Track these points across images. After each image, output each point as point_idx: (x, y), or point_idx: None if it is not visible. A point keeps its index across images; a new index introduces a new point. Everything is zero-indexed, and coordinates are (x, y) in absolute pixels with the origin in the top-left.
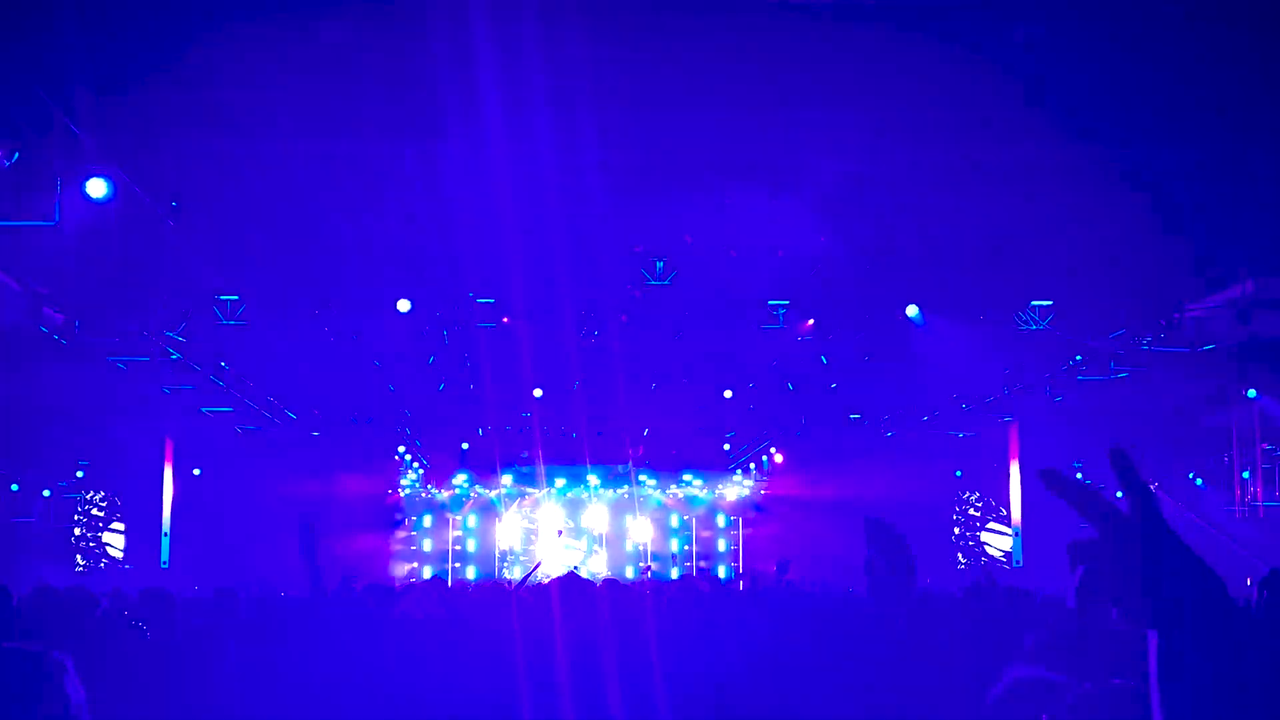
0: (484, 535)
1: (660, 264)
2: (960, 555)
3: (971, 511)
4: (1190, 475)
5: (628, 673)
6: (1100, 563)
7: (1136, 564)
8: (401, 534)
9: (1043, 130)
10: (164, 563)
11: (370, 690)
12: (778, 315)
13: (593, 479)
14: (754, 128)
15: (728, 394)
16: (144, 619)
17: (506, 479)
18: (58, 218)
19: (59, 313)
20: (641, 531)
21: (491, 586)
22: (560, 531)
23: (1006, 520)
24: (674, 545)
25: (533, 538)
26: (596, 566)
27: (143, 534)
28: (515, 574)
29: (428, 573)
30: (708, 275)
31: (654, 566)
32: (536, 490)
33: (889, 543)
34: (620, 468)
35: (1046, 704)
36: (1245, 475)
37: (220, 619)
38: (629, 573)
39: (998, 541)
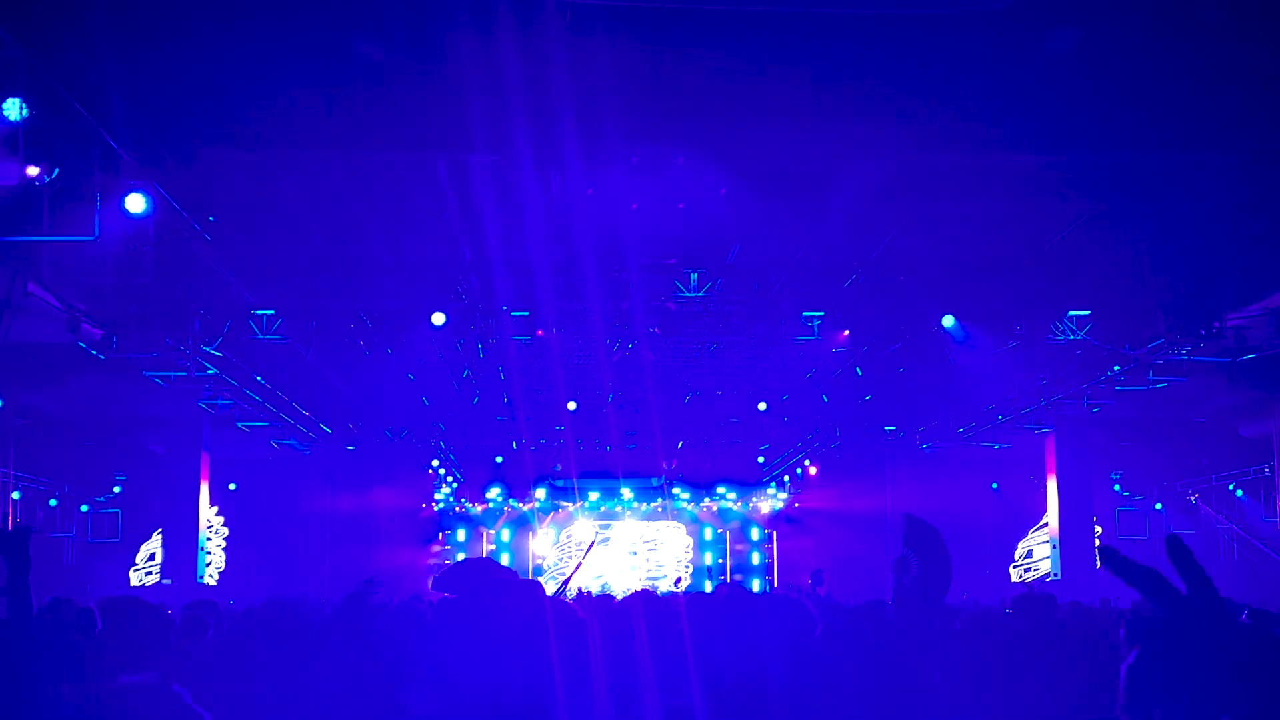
0: (518, 549)
1: (694, 275)
2: (1012, 570)
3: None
4: (1230, 486)
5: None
6: (1159, 643)
7: (1199, 649)
8: (436, 548)
9: (1080, 137)
10: (199, 577)
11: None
12: (812, 327)
13: (626, 492)
14: (786, 137)
15: (762, 406)
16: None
17: (540, 492)
18: (97, 233)
19: (97, 328)
20: (675, 544)
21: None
22: (591, 545)
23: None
24: (708, 558)
25: (568, 552)
26: (630, 580)
27: (180, 548)
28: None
29: None
30: (741, 287)
31: (686, 580)
32: (570, 504)
33: (927, 544)
34: (654, 480)
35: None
36: None
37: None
38: (664, 585)
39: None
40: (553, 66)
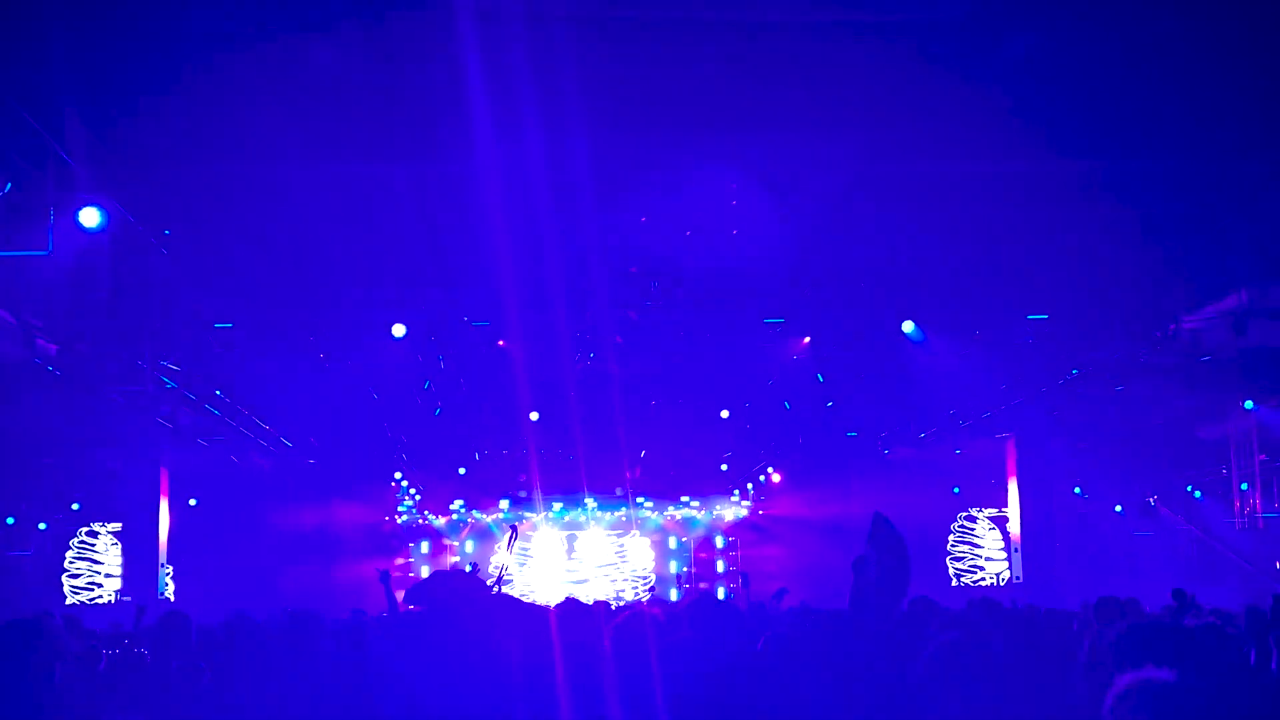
0: (482, 561)
1: (655, 284)
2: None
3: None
4: (1189, 488)
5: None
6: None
7: None
8: (400, 560)
9: (1035, 144)
10: (160, 593)
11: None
12: (773, 334)
13: (590, 502)
14: (746, 145)
15: (724, 414)
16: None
17: (503, 504)
18: (51, 247)
19: (52, 343)
20: (640, 554)
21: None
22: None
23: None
24: (672, 567)
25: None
26: (597, 591)
27: (140, 565)
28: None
29: None
30: (703, 295)
31: (654, 590)
32: (534, 514)
33: (888, 546)
34: (618, 490)
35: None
36: (1244, 487)
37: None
38: (629, 595)
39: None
40: (514, 75)
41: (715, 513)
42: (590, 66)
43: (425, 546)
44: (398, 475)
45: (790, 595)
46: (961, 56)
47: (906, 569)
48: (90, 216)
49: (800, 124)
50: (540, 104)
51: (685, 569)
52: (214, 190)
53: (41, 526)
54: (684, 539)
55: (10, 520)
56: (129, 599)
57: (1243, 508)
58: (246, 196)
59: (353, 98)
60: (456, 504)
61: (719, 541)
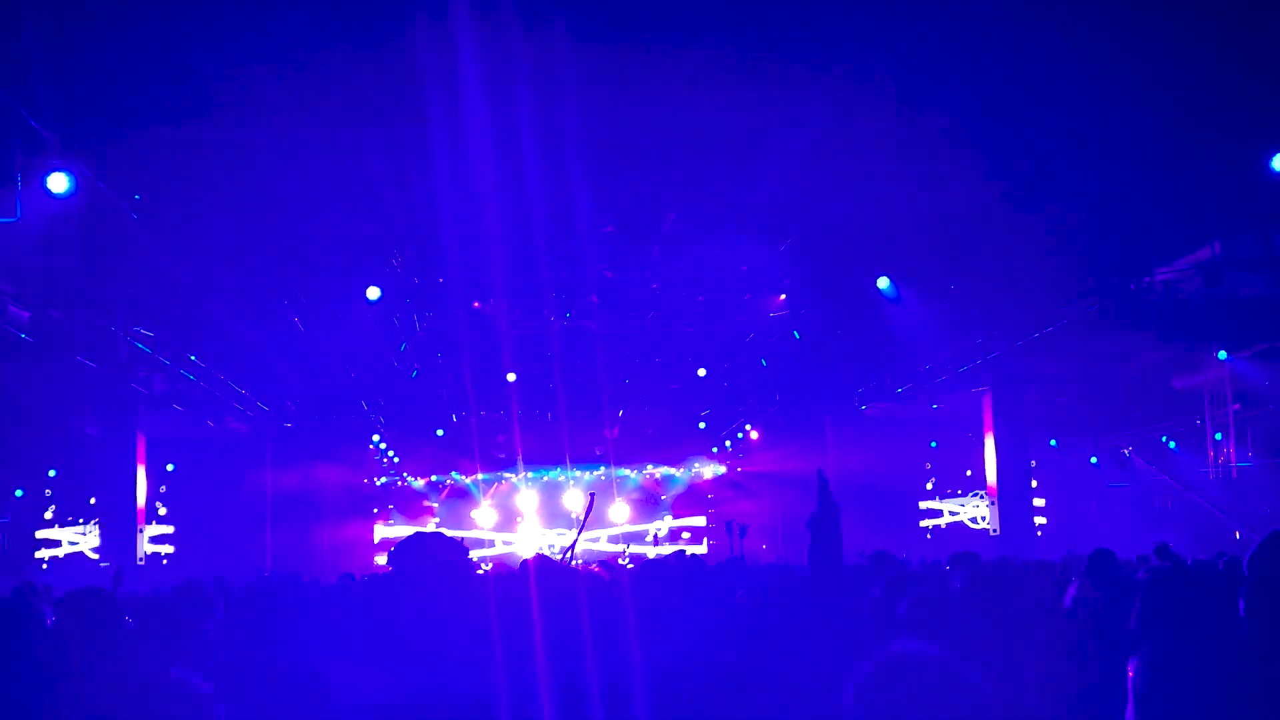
0: (459, 521)
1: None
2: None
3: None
4: (1163, 438)
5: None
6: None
7: None
8: (379, 524)
9: (1008, 97)
10: (138, 559)
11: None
12: (749, 292)
13: (569, 461)
14: (723, 103)
15: (701, 372)
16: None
17: (482, 464)
18: (19, 214)
19: (24, 310)
20: (619, 513)
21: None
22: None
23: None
24: (652, 526)
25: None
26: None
27: (118, 531)
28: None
29: None
30: (679, 255)
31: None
32: (513, 475)
33: (824, 502)
34: (597, 449)
35: (921, 681)
36: (1218, 437)
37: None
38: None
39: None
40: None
41: (694, 470)
42: (571, 25)
43: (405, 507)
44: (375, 438)
45: (767, 550)
46: (933, 8)
47: (838, 525)
48: (59, 182)
49: (773, 80)
50: (520, 61)
51: (663, 527)
52: (185, 154)
53: (18, 494)
54: (664, 496)
55: None
56: (107, 564)
57: (1216, 457)
58: (218, 160)
59: (327, 58)
60: (435, 465)
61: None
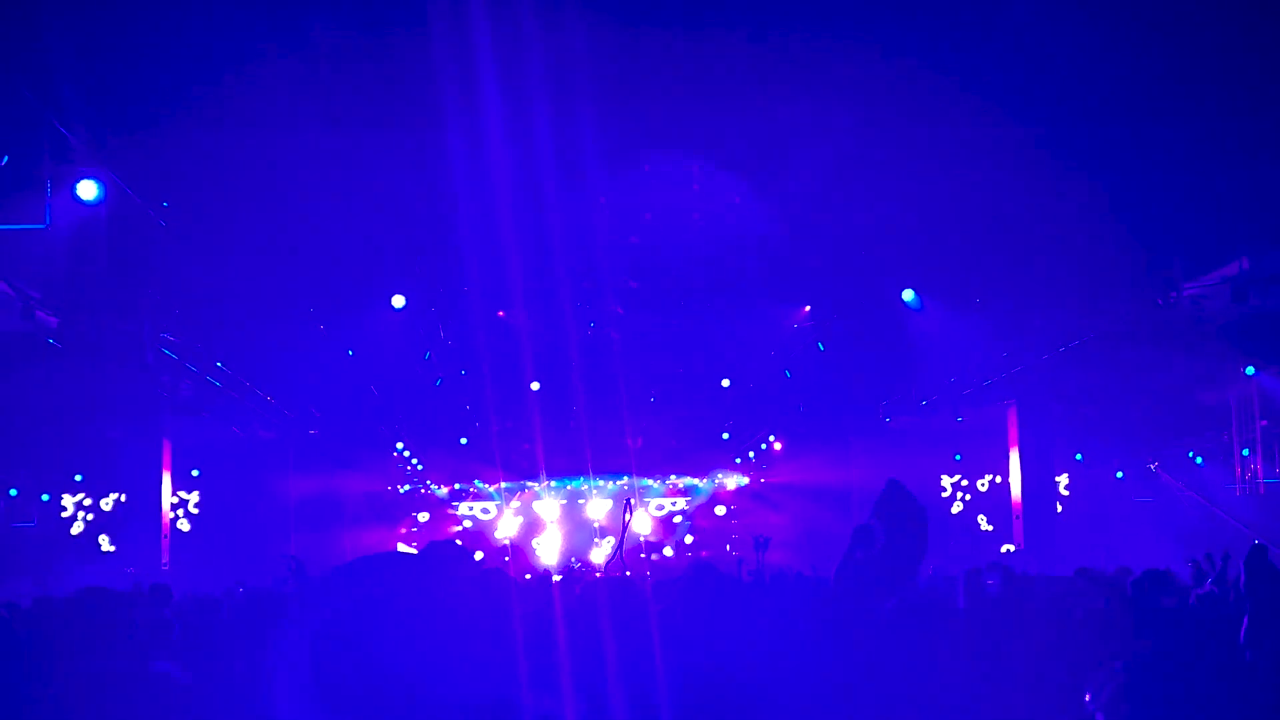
0: (484, 529)
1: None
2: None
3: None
4: (1190, 454)
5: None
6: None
7: None
8: (403, 530)
9: (1038, 110)
10: (162, 564)
11: None
12: (776, 303)
13: (592, 471)
14: (749, 114)
15: (725, 383)
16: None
17: (506, 472)
18: (48, 220)
19: (52, 316)
20: (641, 523)
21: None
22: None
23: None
24: (674, 536)
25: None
26: (598, 558)
27: (143, 535)
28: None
29: None
30: (704, 264)
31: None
32: (536, 483)
33: (902, 517)
34: (620, 459)
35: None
36: (1245, 452)
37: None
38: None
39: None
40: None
41: (717, 481)
42: (595, 31)
43: (427, 516)
44: (399, 445)
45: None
46: (959, 24)
47: (921, 543)
48: (88, 189)
49: (799, 95)
50: (542, 71)
51: (686, 537)
52: (212, 162)
53: (44, 498)
54: (687, 507)
55: (13, 492)
56: (131, 570)
57: (1244, 473)
58: (245, 168)
59: (353, 67)
60: (459, 473)
61: (720, 510)
